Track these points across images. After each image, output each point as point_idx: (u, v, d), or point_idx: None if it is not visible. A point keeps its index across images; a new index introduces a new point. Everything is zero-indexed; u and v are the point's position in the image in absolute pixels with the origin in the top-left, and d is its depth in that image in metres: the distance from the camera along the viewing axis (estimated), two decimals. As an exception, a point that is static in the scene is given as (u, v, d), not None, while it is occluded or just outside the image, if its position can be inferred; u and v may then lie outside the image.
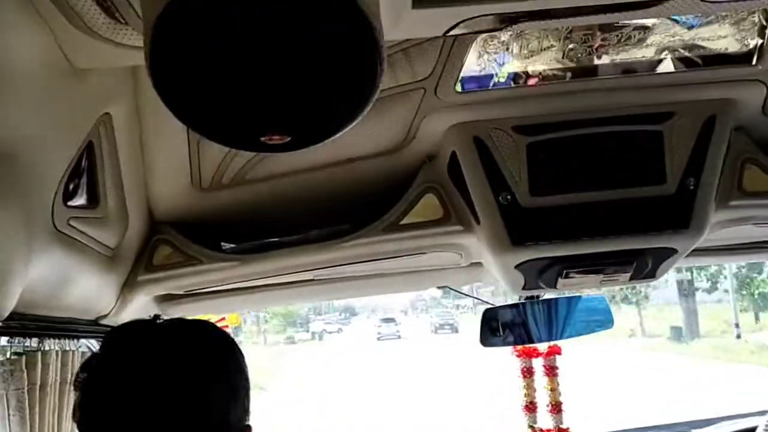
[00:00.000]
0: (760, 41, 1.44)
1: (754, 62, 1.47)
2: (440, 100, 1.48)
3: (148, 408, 0.96)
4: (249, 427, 1.04)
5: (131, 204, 1.46)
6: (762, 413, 2.61)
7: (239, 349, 1.11)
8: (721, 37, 1.47)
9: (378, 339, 35.35)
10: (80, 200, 1.26)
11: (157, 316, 1.10)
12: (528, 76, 1.51)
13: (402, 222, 1.60)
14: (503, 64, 1.51)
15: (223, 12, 0.68)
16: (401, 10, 0.90)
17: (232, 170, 1.56)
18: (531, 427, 2.78)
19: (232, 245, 1.64)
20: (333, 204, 1.66)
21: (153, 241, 1.61)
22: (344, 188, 1.65)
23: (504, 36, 1.45)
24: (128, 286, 1.59)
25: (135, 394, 0.97)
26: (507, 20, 1.01)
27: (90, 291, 1.47)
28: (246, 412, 1.05)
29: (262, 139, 0.80)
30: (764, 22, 1.41)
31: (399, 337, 35.55)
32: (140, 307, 1.66)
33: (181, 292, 1.73)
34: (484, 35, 1.38)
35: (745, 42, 1.47)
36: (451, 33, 1.02)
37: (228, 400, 1.02)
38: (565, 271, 1.65)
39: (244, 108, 0.76)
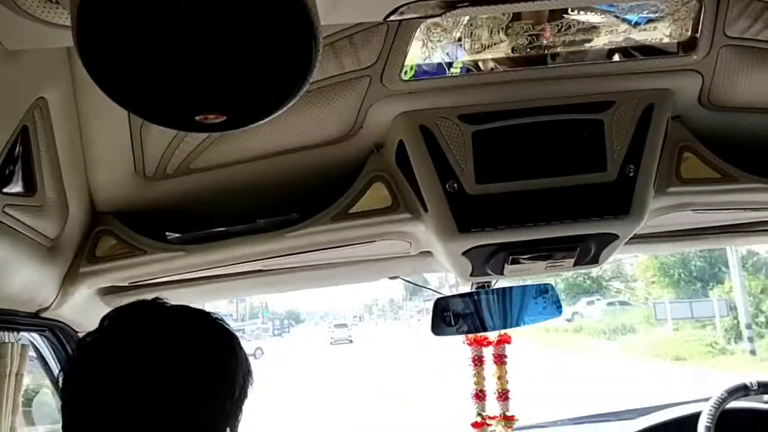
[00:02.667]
0: (695, 32, 1.49)
1: (689, 53, 1.51)
2: (386, 88, 1.49)
3: (135, 394, 0.97)
4: None
5: (71, 193, 1.43)
6: (705, 399, 2.69)
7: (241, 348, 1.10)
8: (660, 28, 1.52)
9: (331, 344, 34.65)
10: (16, 187, 1.22)
11: (157, 298, 1.10)
12: (479, 70, 1.53)
13: (351, 211, 1.61)
14: (456, 58, 1.53)
15: None
16: None
17: (177, 159, 1.54)
18: (479, 415, 2.81)
19: (177, 235, 1.61)
20: (281, 193, 1.65)
21: (95, 231, 1.58)
22: (292, 177, 1.64)
23: (451, 25, 1.47)
24: (70, 279, 1.56)
25: (125, 378, 0.98)
26: (446, 5, 1.03)
27: (29, 283, 1.43)
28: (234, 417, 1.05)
29: (197, 118, 0.79)
30: (699, 14, 1.46)
31: (351, 341, 35.30)
32: (83, 299, 1.63)
33: (126, 284, 1.70)
34: (427, 23, 1.39)
35: (682, 33, 1.51)
36: (392, 18, 1.02)
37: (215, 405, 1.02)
38: (511, 257, 1.67)
39: (177, 86, 0.75)
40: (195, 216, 1.64)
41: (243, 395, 1.07)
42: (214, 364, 1.04)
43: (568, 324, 27.61)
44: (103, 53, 0.72)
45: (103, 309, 1.68)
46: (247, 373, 1.09)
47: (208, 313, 1.11)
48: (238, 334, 1.14)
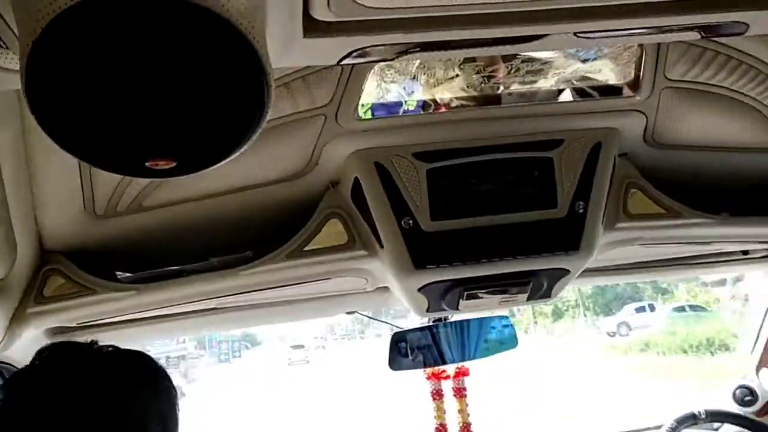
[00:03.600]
0: (638, 75, 1.55)
1: (633, 94, 1.58)
2: (341, 127, 1.50)
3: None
4: None
5: (20, 233, 1.39)
6: (656, 428, 2.73)
7: (172, 384, 1.11)
8: (606, 70, 1.58)
9: (288, 364, 34.06)
10: None
11: (93, 342, 1.10)
12: (436, 104, 1.56)
13: (306, 248, 1.61)
14: (412, 92, 1.56)
15: (99, 39, 0.67)
16: (292, 38, 0.91)
17: (128, 196, 1.52)
18: (441, 449, 2.80)
19: (128, 275, 1.59)
20: (235, 231, 1.64)
21: (44, 271, 1.54)
22: (246, 215, 1.64)
23: (405, 65, 1.50)
24: (16, 319, 1.52)
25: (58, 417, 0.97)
26: (398, 51, 1.05)
27: None
28: None
29: (147, 164, 0.78)
30: (640, 58, 1.52)
31: (308, 362, 34.78)
32: (30, 340, 1.58)
33: (74, 325, 1.66)
34: (381, 64, 1.42)
35: (626, 75, 1.58)
36: (345, 62, 1.04)
37: None
38: (465, 293, 1.69)
39: (125, 134, 0.74)
40: (147, 254, 1.61)
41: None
42: (130, 409, 1.03)
43: (614, 339, 20.93)
44: (51, 102, 0.72)
45: None
46: (171, 410, 1.09)
47: (135, 354, 1.11)
48: (161, 361, 1.13)
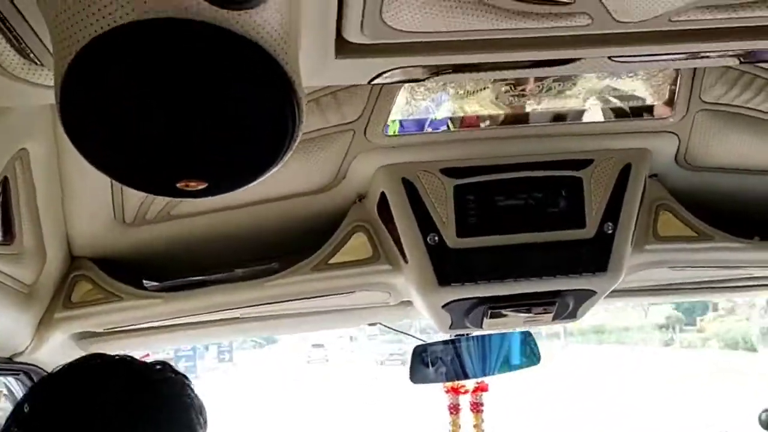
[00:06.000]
0: (672, 97, 1.53)
1: (666, 115, 1.55)
2: (369, 142, 1.50)
3: None
4: None
5: (49, 240, 1.42)
6: None
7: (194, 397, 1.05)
8: (639, 89, 1.56)
9: (308, 362, 34.00)
10: None
11: (93, 356, 1.07)
12: (463, 119, 1.55)
13: (331, 261, 1.61)
14: (441, 103, 1.56)
15: (134, 62, 0.67)
16: (325, 59, 0.91)
17: (157, 205, 1.53)
18: (456, 461, 2.79)
19: (155, 283, 1.60)
20: (261, 242, 1.65)
21: (72, 277, 1.56)
22: (273, 226, 1.64)
23: (434, 86, 1.49)
24: (45, 324, 1.54)
25: None
26: (429, 72, 1.04)
27: (4, 328, 1.41)
28: None
29: (178, 185, 0.79)
30: (675, 80, 1.50)
31: (327, 360, 34.85)
32: (58, 344, 1.60)
33: (101, 330, 1.67)
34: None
35: (659, 96, 1.55)
36: (376, 82, 1.04)
37: None
38: (490, 311, 1.68)
39: (157, 155, 0.75)
40: (174, 263, 1.63)
41: None
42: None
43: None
44: (84, 121, 0.73)
45: (78, 353, 1.65)
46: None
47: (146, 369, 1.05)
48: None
